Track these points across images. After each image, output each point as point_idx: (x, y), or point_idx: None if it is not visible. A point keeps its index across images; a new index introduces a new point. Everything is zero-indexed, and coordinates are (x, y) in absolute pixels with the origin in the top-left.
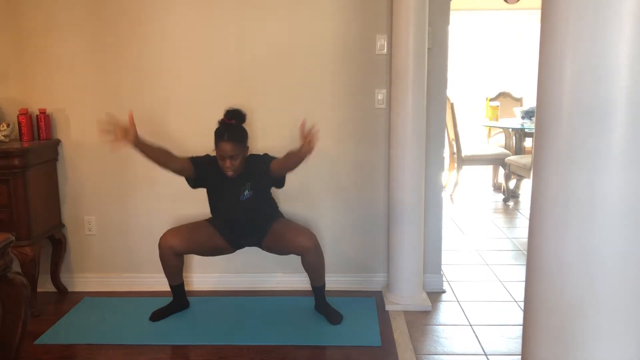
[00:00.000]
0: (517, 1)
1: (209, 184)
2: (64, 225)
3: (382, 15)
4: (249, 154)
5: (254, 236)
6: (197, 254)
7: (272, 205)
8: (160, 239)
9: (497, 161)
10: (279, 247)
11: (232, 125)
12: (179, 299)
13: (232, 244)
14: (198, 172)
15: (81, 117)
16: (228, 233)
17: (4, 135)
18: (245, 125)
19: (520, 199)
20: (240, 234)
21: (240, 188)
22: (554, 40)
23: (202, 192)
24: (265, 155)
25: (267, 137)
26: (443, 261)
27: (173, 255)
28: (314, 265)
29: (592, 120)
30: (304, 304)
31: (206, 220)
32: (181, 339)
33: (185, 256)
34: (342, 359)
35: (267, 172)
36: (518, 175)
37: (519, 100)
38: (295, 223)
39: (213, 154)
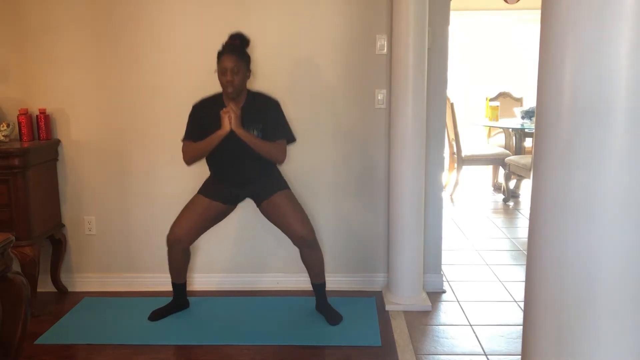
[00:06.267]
0: (517, 1)
1: (207, 129)
2: (64, 225)
3: (382, 15)
4: (257, 91)
5: (252, 185)
6: (205, 231)
7: (276, 169)
8: (168, 235)
9: (497, 161)
10: (275, 222)
11: (235, 44)
12: (180, 298)
13: (229, 201)
14: (195, 135)
15: (81, 117)
16: (222, 189)
17: (4, 135)
18: None
19: (520, 199)
20: (237, 180)
21: (245, 124)
22: (553, 40)
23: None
24: (276, 102)
25: None
26: (443, 261)
27: (181, 250)
28: (312, 259)
29: (592, 120)
30: (304, 304)
31: (198, 193)
32: (181, 339)
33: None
34: (342, 359)
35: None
36: (518, 175)
37: (519, 100)
38: (299, 206)
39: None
